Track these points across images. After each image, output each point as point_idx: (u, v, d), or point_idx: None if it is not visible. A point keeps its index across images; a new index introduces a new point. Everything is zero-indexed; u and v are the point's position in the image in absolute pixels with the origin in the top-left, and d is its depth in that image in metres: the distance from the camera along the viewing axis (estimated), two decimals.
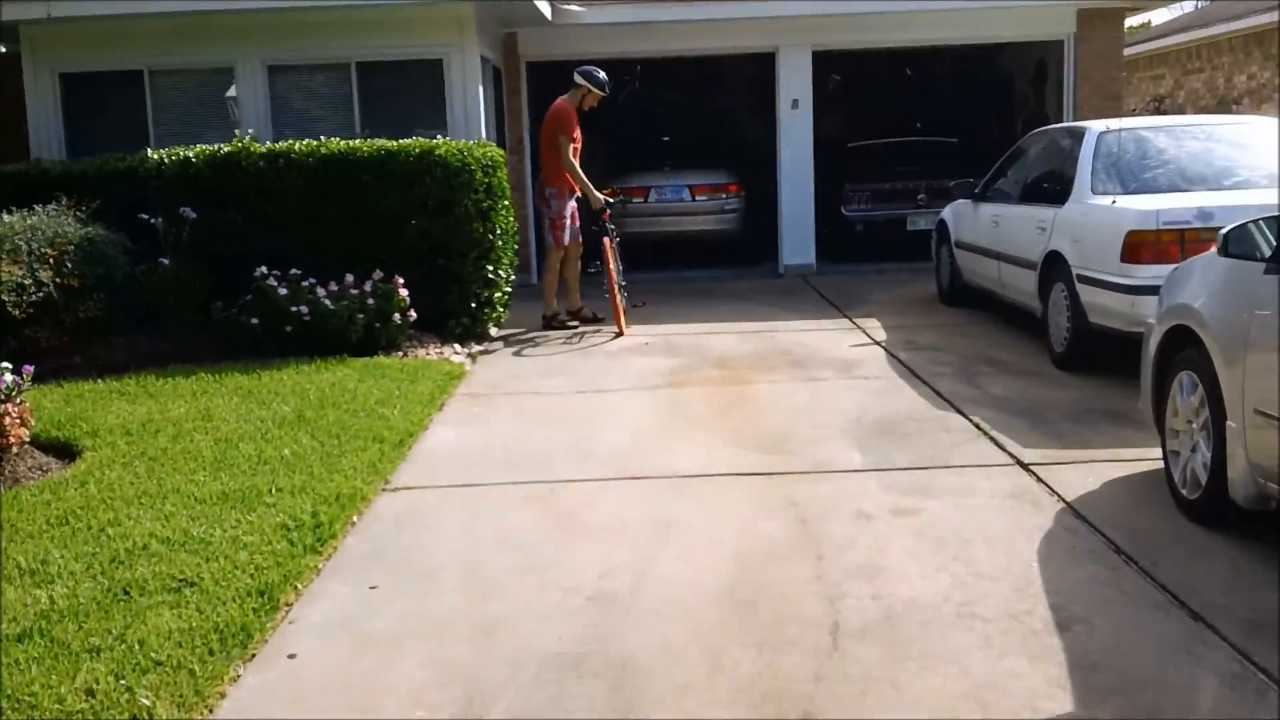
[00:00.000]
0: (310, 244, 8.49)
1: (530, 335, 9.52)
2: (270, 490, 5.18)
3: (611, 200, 9.83)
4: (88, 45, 10.61)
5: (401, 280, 8.27)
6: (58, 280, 7.73)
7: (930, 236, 11.02)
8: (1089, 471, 5.40)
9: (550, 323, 9.78)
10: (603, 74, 9.70)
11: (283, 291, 8.00)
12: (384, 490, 5.42)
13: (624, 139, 15.46)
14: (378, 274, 8.28)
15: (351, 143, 8.54)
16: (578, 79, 9.66)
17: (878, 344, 8.64)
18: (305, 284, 8.15)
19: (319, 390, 7.03)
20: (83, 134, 10.80)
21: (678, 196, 13.60)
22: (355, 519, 4.99)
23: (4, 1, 9.93)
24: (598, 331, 9.60)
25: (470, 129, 10.66)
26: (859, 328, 9.36)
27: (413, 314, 8.34)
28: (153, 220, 8.32)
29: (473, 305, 8.74)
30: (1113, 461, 5.54)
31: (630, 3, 12.29)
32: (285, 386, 7.13)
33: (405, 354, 8.25)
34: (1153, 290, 6.42)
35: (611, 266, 9.48)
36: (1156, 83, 20.32)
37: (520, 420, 6.75)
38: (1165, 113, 19.29)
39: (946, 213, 10.29)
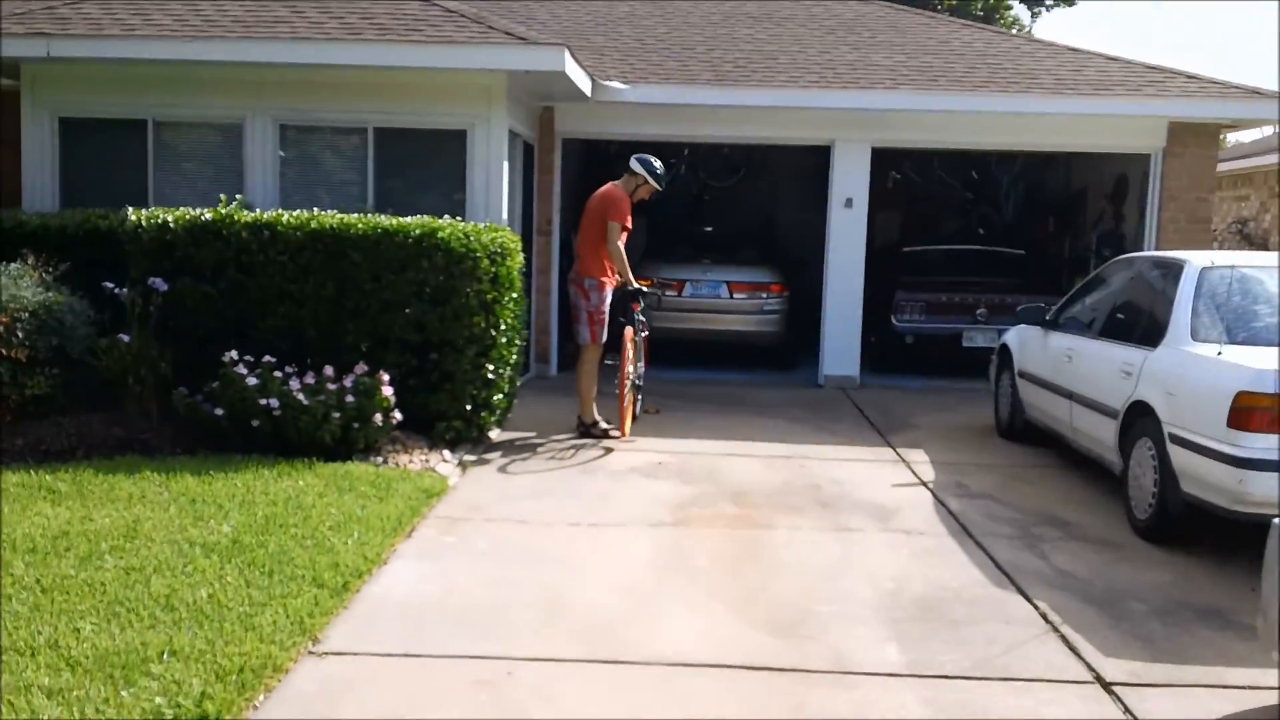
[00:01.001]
0: (290, 327, 7.59)
1: (534, 441, 8.50)
2: (162, 654, 4.16)
3: (646, 290, 8.88)
4: (91, 89, 9.89)
5: (386, 377, 7.30)
6: (3, 352, 6.85)
7: (989, 357, 9.92)
8: (1188, 700, 4.26)
9: (589, 430, 8.74)
10: (660, 164, 8.83)
11: (252, 381, 7.06)
12: (308, 653, 4.39)
13: (661, 226, 14.58)
14: (361, 367, 7.34)
15: (345, 217, 7.65)
16: (634, 167, 8.77)
17: (923, 484, 7.52)
18: (279, 373, 7.21)
19: (270, 504, 6.05)
20: (79, 184, 10.03)
21: (714, 293, 12.62)
22: (258, 701, 3.95)
23: (3, 37, 9.24)
24: (606, 439, 8.58)
25: (491, 207, 9.78)
26: (902, 459, 8.26)
27: (397, 415, 7.36)
28: (117, 290, 7.43)
29: (467, 407, 7.76)
30: (1218, 688, 4.39)
31: (677, 83, 11.45)
32: (234, 496, 6.14)
33: (385, 460, 7.25)
34: (1268, 465, 5.32)
35: (627, 362, 8.47)
36: (1240, 204, 19.19)
37: (495, 559, 5.70)
38: (1249, 237, 18.13)
39: (1011, 336, 9.21)
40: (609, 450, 8.28)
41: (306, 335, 7.57)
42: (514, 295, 8.01)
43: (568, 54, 9.32)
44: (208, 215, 7.59)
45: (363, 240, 7.50)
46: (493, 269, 7.74)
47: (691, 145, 15.85)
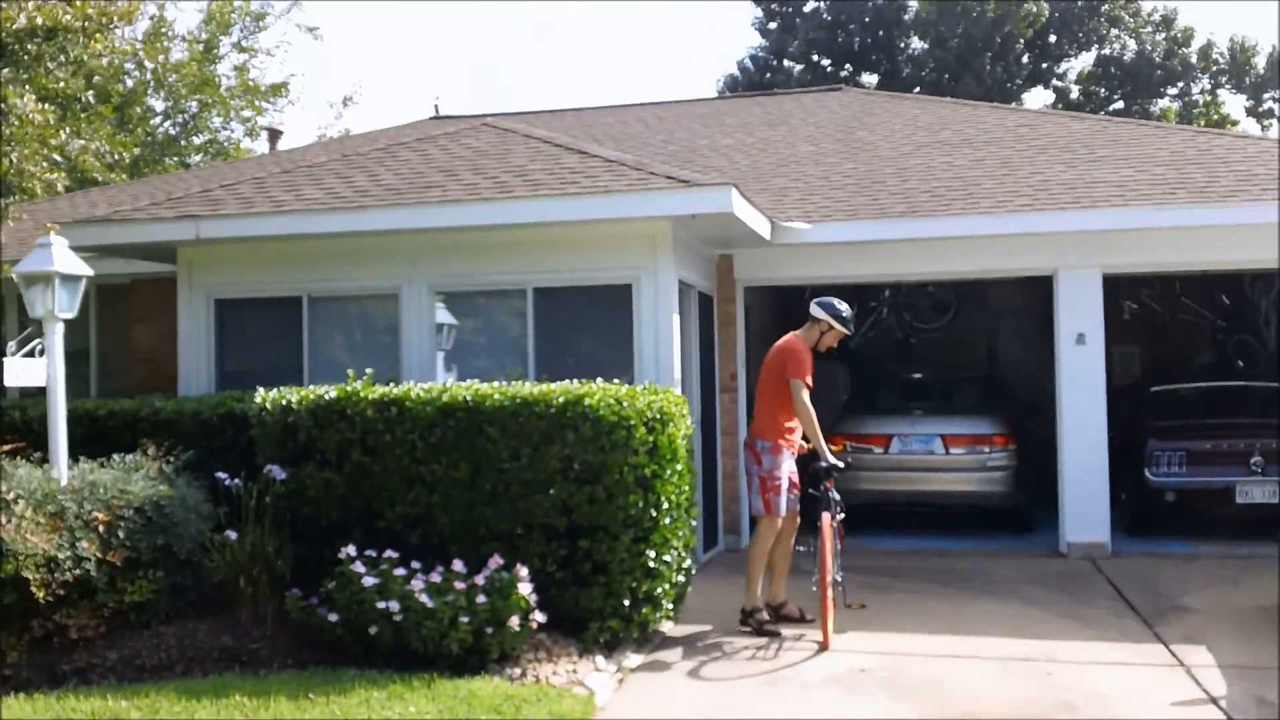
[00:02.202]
0: (422, 515, 6.63)
1: (713, 639, 7.15)
2: None
3: (840, 465, 7.54)
4: (245, 268, 9.52)
5: (525, 572, 6.19)
6: (101, 555, 6.12)
7: (1274, 514, 7.98)
8: None
9: (747, 619, 7.39)
10: (845, 307, 7.62)
11: (370, 581, 6.07)
12: None
13: (860, 375, 13.21)
14: (495, 560, 6.25)
15: (481, 388, 6.70)
16: (815, 312, 7.61)
17: (1212, 701, 5.73)
18: (402, 570, 6.21)
19: None
20: (235, 365, 9.60)
21: (927, 448, 11.07)
22: None
23: (151, 222, 8.98)
24: (799, 639, 7.14)
25: (661, 365, 8.72)
26: (1179, 661, 6.45)
27: (539, 616, 6.20)
28: (229, 481, 6.67)
29: (625, 603, 6.52)
30: None
31: (865, 219, 10.24)
32: None
33: (524, 672, 6.07)
34: None
35: (828, 552, 7.06)
36: None
37: None
38: None
39: None
40: (803, 643, 6.84)
41: (439, 523, 6.57)
42: (678, 468, 6.82)
43: (735, 193, 8.30)
44: (332, 393, 6.79)
45: (499, 413, 6.51)
46: (650, 438, 6.59)
47: (892, 286, 14.58)
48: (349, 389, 6.80)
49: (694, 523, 7.26)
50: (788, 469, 7.36)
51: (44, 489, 6.28)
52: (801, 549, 7.51)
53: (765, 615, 7.37)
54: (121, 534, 6.22)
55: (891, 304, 15.14)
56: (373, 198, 8.95)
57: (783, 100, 16.99)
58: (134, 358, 11.87)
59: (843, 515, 7.78)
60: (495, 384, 6.80)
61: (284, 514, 6.71)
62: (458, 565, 6.22)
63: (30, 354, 6.89)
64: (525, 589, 6.11)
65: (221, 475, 6.68)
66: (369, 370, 7.20)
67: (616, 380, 7.03)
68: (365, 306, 9.55)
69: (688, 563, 7.31)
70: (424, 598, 5.99)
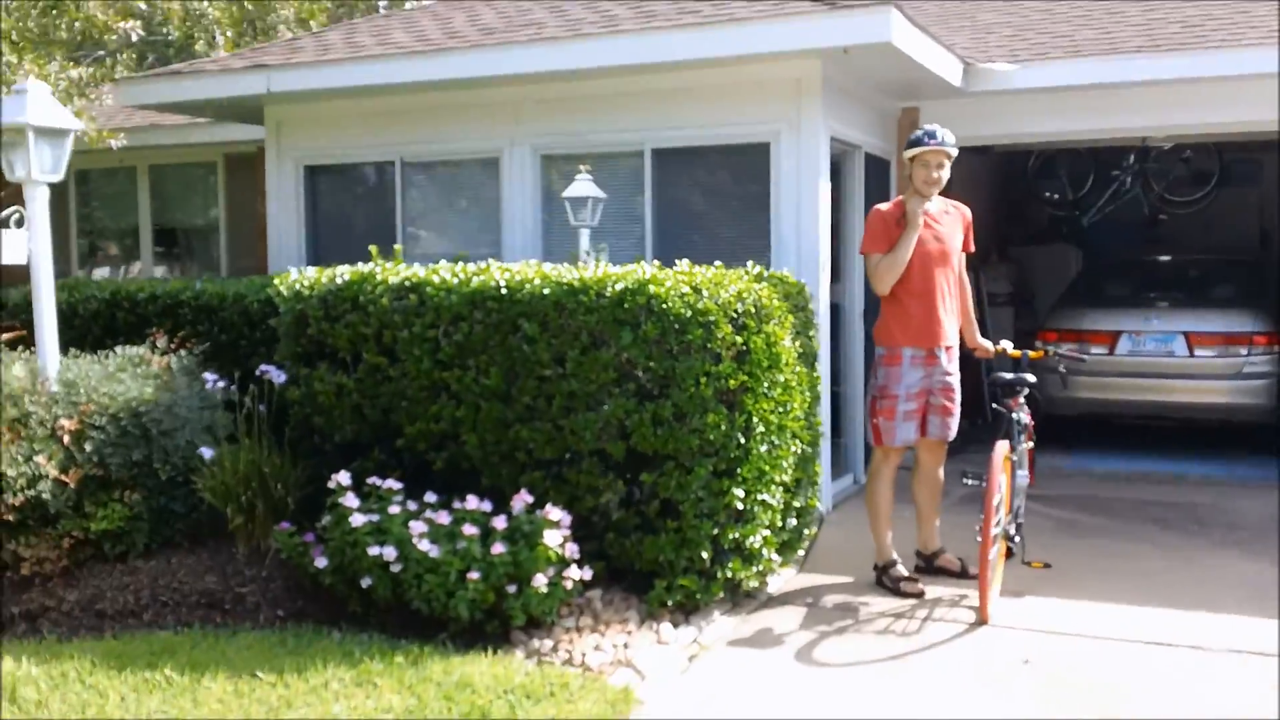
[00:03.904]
0: (444, 434, 5.22)
1: (844, 597, 5.50)
2: None
3: (1027, 378, 5.66)
4: (335, 129, 8.28)
5: (557, 515, 4.70)
6: (59, 473, 5.05)
7: None
8: None
9: (882, 576, 5.70)
10: (925, 129, 5.60)
11: (361, 519, 4.74)
12: None
13: (1097, 260, 10.88)
14: (522, 498, 4.79)
15: (519, 270, 5.16)
16: (904, 160, 5.69)
17: None
18: (402, 505, 4.86)
19: None
20: (327, 240, 8.47)
21: (1165, 348, 8.80)
22: None
23: (221, 74, 7.81)
24: (957, 602, 5.40)
25: (804, 247, 6.94)
26: None
27: (573, 573, 4.72)
28: (217, 383, 5.45)
29: (703, 555, 4.93)
30: None
31: (1096, 54, 7.92)
32: None
33: (556, 645, 4.64)
34: None
35: (993, 496, 5.19)
36: None
37: None
38: None
39: None
40: (950, 624, 5.11)
41: (468, 445, 5.15)
42: (779, 379, 5.10)
43: (896, 15, 6.29)
44: (345, 276, 5.42)
45: (538, 303, 4.97)
46: (739, 340, 4.90)
47: (1139, 151, 11.97)
48: (365, 270, 5.41)
49: (808, 449, 5.54)
50: (909, 383, 5.50)
51: (10, 389, 5.25)
52: (971, 482, 5.65)
53: (901, 571, 5.64)
54: (89, 447, 5.13)
55: (1137, 172, 12.51)
56: (458, 39, 7.46)
57: None
58: (262, 234, 11.00)
59: (1030, 444, 5.85)
60: (535, 266, 5.23)
61: (294, 427, 5.46)
62: (471, 502, 4.79)
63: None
64: (554, 538, 4.62)
65: (209, 376, 5.46)
66: (372, 248, 5.80)
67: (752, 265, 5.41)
68: (464, 173, 8.15)
69: (805, 500, 5.65)
70: (425, 544, 4.61)
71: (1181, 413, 8.85)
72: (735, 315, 4.92)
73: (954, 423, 5.71)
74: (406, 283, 5.23)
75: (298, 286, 5.55)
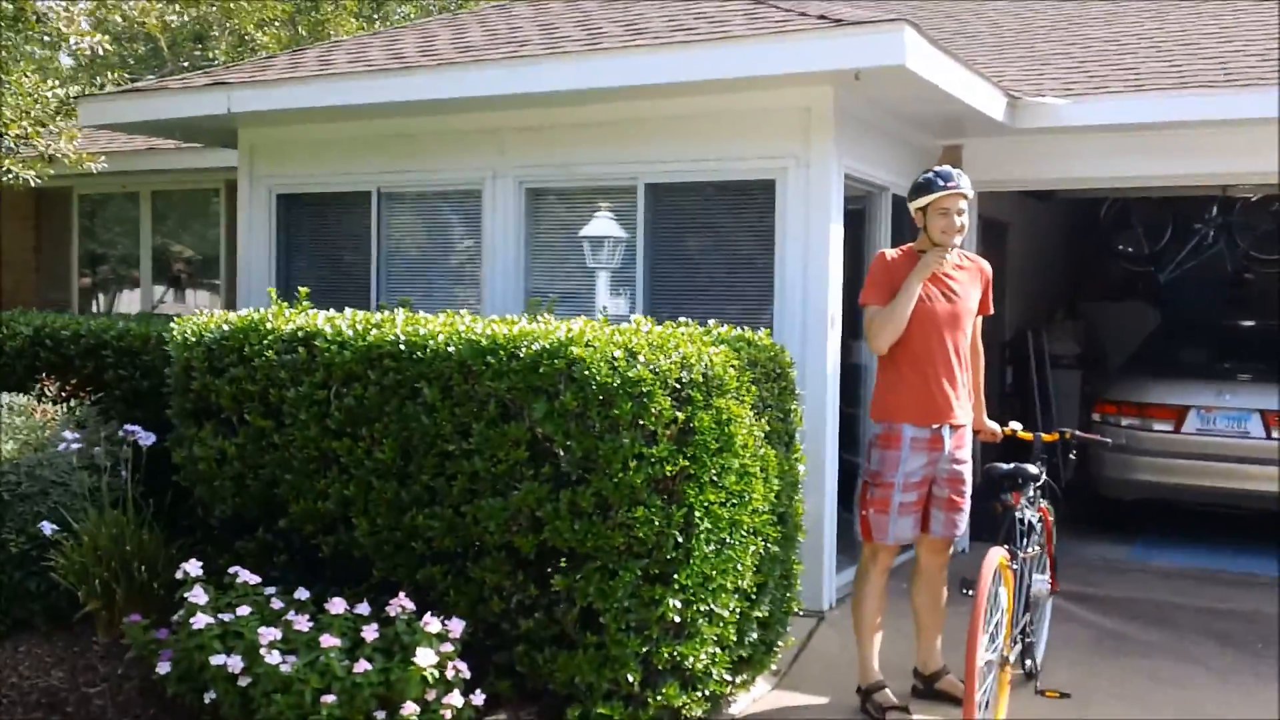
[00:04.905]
0: (331, 514, 4.38)
1: None
2: None
3: (1035, 471, 4.68)
4: (310, 156, 7.58)
5: (436, 625, 3.82)
6: None
7: None
8: None
9: (866, 701, 4.72)
10: (935, 171, 4.64)
11: (203, 620, 3.91)
12: None
13: (1160, 313, 9.78)
14: (398, 605, 3.93)
15: (423, 324, 4.32)
16: (911, 210, 4.73)
17: None
18: (264, 603, 4.02)
19: None
20: (301, 271, 7.74)
21: (1238, 428, 7.66)
22: None
23: (182, 92, 7.16)
24: None
25: (812, 298, 6.02)
26: None
27: (456, 699, 3.83)
28: (71, 444, 4.69)
29: (629, 677, 4.01)
30: None
31: (1164, 89, 6.89)
32: None
33: None
34: None
35: (979, 617, 4.16)
36: None
37: None
38: None
39: None
40: None
41: (359, 530, 4.31)
42: (734, 463, 4.17)
43: (910, 35, 5.36)
44: (234, 320, 4.63)
45: (441, 364, 4.12)
46: (680, 416, 3.99)
47: (1221, 200, 10.82)
48: (255, 316, 4.62)
49: (774, 550, 4.59)
50: (909, 470, 4.54)
51: None
52: (970, 594, 4.64)
53: (889, 697, 4.66)
54: None
55: (1220, 225, 11.34)
56: (430, 58, 6.71)
57: None
58: None
59: (1034, 550, 4.79)
60: (447, 320, 4.38)
61: (175, 498, 4.68)
62: (337, 605, 3.93)
63: None
64: (426, 657, 3.74)
65: (69, 435, 4.70)
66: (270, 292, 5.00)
67: (761, 325, 4.55)
68: (445, 206, 7.38)
69: (778, 606, 4.71)
70: (274, 656, 3.76)
71: (1256, 502, 7.68)
72: (678, 385, 4.01)
73: (962, 519, 4.74)
74: (299, 333, 4.42)
75: (188, 332, 4.77)
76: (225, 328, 4.59)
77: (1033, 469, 4.62)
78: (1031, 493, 4.72)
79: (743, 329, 4.81)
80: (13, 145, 8.52)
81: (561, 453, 4.02)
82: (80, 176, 10.19)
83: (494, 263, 6.99)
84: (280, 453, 4.44)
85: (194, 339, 4.68)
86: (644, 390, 3.91)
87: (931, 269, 4.54)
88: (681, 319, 4.67)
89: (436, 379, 4.12)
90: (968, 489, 4.72)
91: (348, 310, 4.61)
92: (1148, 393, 8.07)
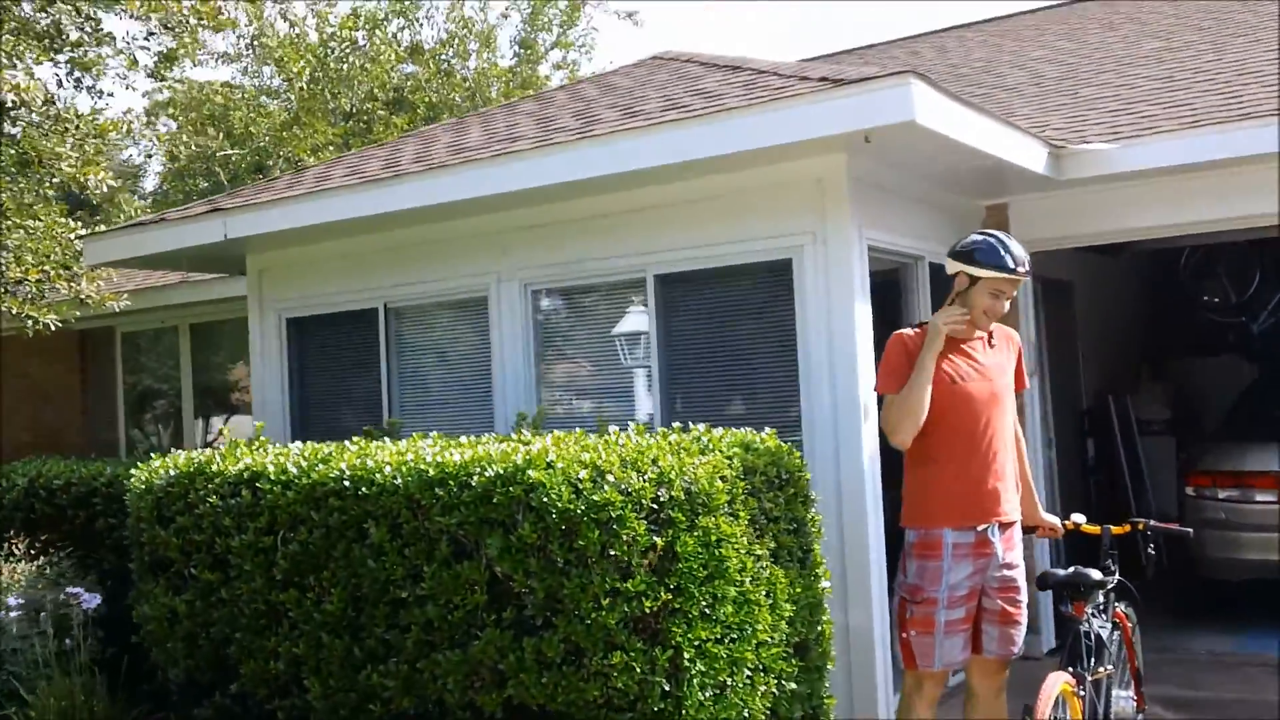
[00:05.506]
0: (286, 677, 3.88)
1: None
2: None
3: (1106, 575, 4.03)
4: (316, 277, 7.28)
5: None
6: None
7: None
8: None
9: None
10: (1006, 244, 4.04)
11: None
12: None
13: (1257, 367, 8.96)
14: None
15: (370, 455, 3.84)
16: (951, 266, 4.13)
17: None
18: None
19: None
20: (314, 396, 7.43)
21: None
22: None
23: (181, 223, 6.93)
24: None
25: (840, 385, 5.43)
26: None
27: None
28: (11, 611, 4.29)
29: None
30: None
31: (1223, 121, 6.24)
32: None
33: None
34: None
35: None
36: None
37: None
38: None
39: None
40: None
41: (311, 692, 3.80)
42: (729, 591, 3.57)
43: (918, 88, 4.81)
44: (178, 466, 4.22)
45: (388, 499, 3.63)
46: (658, 542, 3.43)
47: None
48: (201, 459, 4.20)
49: (823, 674, 3.96)
50: (953, 582, 3.89)
51: None
52: None
53: None
54: None
55: None
56: (420, 164, 6.38)
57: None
58: None
59: (1108, 668, 4.08)
60: (400, 449, 3.90)
61: (131, 661, 4.25)
62: None
63: None
64: None
65: (12, 601, 4.30)
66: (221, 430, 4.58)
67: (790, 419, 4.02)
68: (453, 316, 6.99)
69: None
70: None
71: None
72: (655, 506, 3.46)
73: (1019, 632, 4.07)
74: (245, 474, 3.99)
75: (142, 479, 4.38)
76: (172, 473, 4.18)
77: (1094, 574, 3.93)
78: (1100, 600, 4.03)
79: (761, 430, 4.26)
80: (35, 291, 8.41)
81: (524, 593, 3.47)
82: (120, 315, 10.15)
83: (503, 370, 6.55)
84: (228, 608, 3.98)
85: (143, 487, 4.28)
86: (613, 515, 3.36)
87: (943, 335, 3.95)
88: (697, 424, 4.15)
89: (384, 517, 3.63)
90: (1024, 597, 4.06)
91: (296, 444, 4.16)
92: (1246, 459, 7.23)
